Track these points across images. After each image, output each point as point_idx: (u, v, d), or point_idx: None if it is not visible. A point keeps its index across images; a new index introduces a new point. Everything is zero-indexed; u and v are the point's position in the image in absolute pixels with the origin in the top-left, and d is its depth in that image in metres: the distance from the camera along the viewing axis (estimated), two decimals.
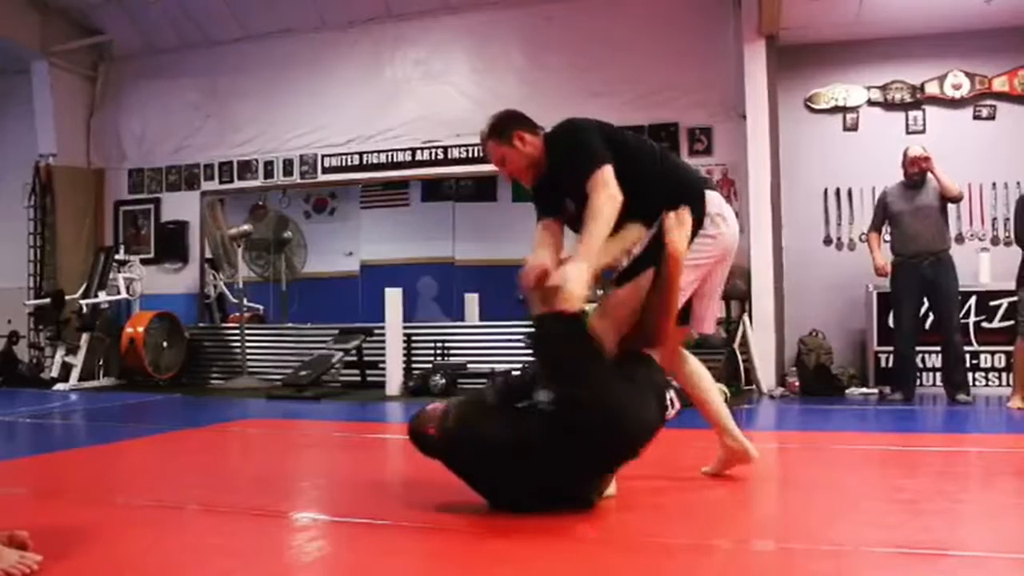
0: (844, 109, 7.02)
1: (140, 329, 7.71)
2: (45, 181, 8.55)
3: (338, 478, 3.35)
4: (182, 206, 8.72)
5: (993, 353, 6.30)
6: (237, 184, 8.56)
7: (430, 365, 7.15)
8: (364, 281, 10.28)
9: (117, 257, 8.37)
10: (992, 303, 6.31)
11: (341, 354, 7.21)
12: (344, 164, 8.20)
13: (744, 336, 6.46)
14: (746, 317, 6.50)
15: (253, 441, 4.72)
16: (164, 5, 8.22)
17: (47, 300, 8.05)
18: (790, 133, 6.96)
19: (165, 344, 7.93)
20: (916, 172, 5.78)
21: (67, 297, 8.01)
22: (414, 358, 7.40)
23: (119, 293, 8.19)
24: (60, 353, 7.92)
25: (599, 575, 1.99)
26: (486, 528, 2.35)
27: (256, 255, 9.37)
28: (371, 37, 8.07)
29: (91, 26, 8.84)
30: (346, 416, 5.84)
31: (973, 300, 6.32)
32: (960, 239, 6.56)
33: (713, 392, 2.99)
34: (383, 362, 7.04)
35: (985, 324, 6.33)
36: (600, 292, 3.54)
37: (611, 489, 2.61)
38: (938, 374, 6.13)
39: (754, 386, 6.44)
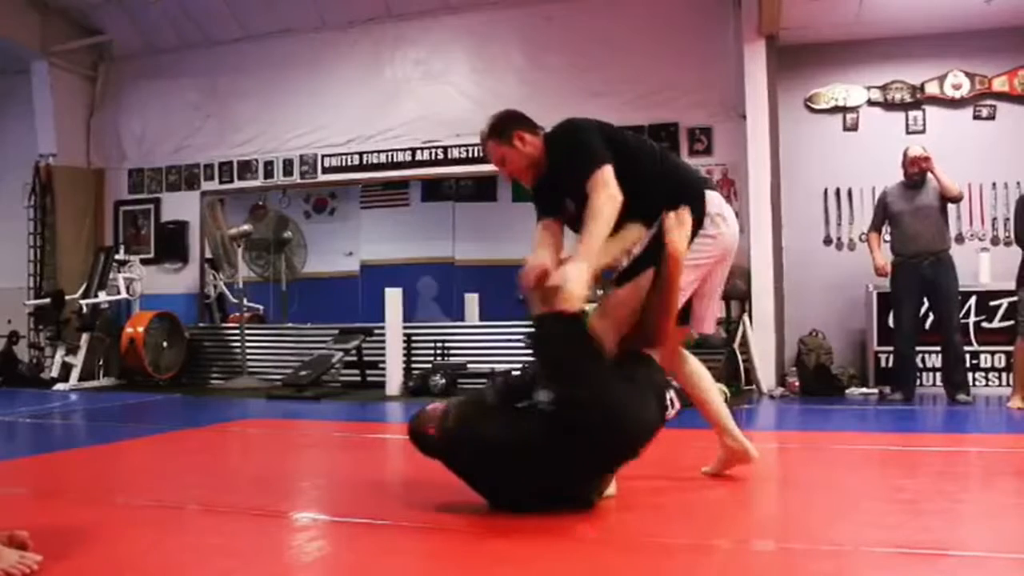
0: (844, 109, 7.03)
1: (140, 329, 7.71)
2: (45, 181, 8.55)
3: (338, 478, 3.35)
4: (182, 206, 8.72)
5: (993, 353, 6.30)
6: (237, 184, 8.56)
7: (430, 365, 7.15)
8: (364, 281, 10.28)
9: (117, 257, 8.37)
10: (992, 303, 6.31)
11: (341, 354, 7.21)
12: (344, 164, 8.21)
13: (744, 336, 6.46)
14: (746, 317, 6.50)
15: (253, 441, 4.72)
16: (164, 5, 8.22)
17: (47, 300, 8.05)
18: (790, 133, 6.96)
19: (165, 344, 7.93)
20: (916, 172, 5.78)
21: (67, 297, 8.01)
22: (414, 358, 7.40)
23: (119, 293, 8.19)
24: (60, 353, 7.92)
25: (599, 575, 1.99)
26: (486, 528, 2.35)
27: (256, 255, 9.37)
28: (371, 37, 8.08)
29: (91, 26, 8.84)
30: (346, 416, 5.84)
31: (973, 300, 6.32)
32: (960, 239, 6.56)
33: (713, 392, 2.99)
34: (383, 362, 7.04)
35: (985, 324, 6.33)
36: (600, 292, 3.54)
37: (611, 489, 2.61)
38: (938, 374, 6.13)
39: (754, 386, 6.44)
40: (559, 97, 6.75)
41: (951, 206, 5.96)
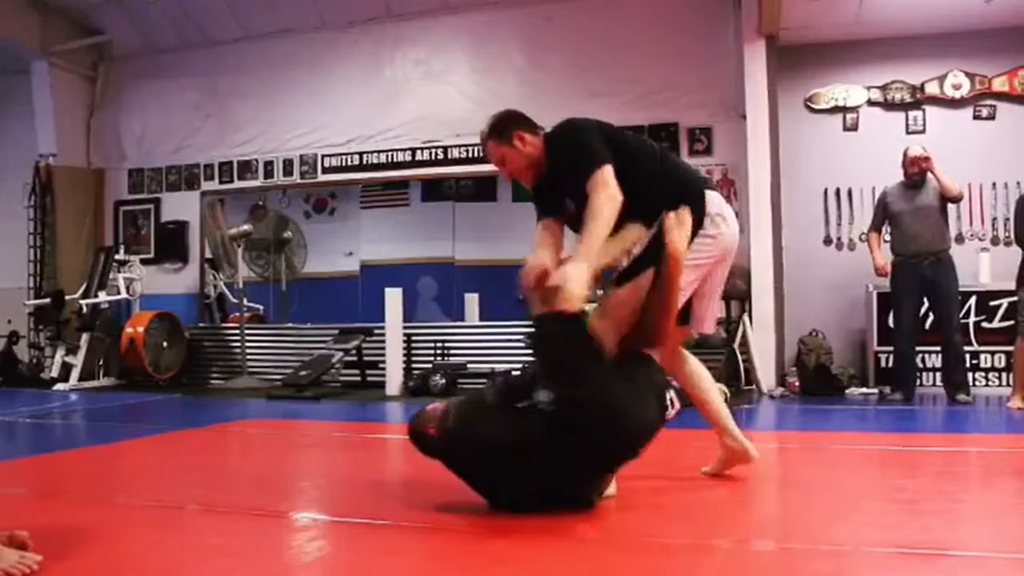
0: (844, 109, 7.03)
1: (140, 329, 7.71)
2: (45, 181, 8.55)
3: (338, 478, 3.35)
4: (182, 206, 8.72)
5: (993, 353, 6.30)
6: (237, 184, 8.56)
7: (430, 365, 7.15)
8: (364, 281, 10.28)
9: (117, 257, 8.37)
10: (992, 303, 6.31)
11: (341, 354, 7.21)
12: (344, 164, 8.21)
13: (744, 336, 6.46)
14: (746, 317, 6.50)
15: (253, 441, 4.72)
16: (164, 5, 8.22)
17: (47, 300, 8.05)
18: (790, 133, 6.96)
19: (165, 344, 7.93)
20: (916, 172, 5.78)
21: (67, 297, 8.01)
22: (414, 358, 7.40)
23: (119, 293, 8.19)
24: (60, 353, 7.92)
25: (599, 575, 1.99)
26: (486, 528, 2.35)
27: (256, 255, 9.37)
28: (371, 37, 8.08)
29: (91, 26, 8.84)
30: (346, 416, 5.84)
31: (973, 300, 6.32)
32: (960, 239, 6.56)
33: (713, 392, 2.99)
34: (383, 362, 7.04)
35: (985, 324, 6.33)
36: (600, 292, 3.54)
37: (611, 489, 2.61)
38: (938, 374, 6.13)
39: (754, 386, 6.44)
40: (559, 97, 6.75)
41: (951, 206, 5.96)
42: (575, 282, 2.46)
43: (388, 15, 8.03)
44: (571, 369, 2.41)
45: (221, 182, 8.59)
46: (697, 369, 2.98)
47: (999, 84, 6.70)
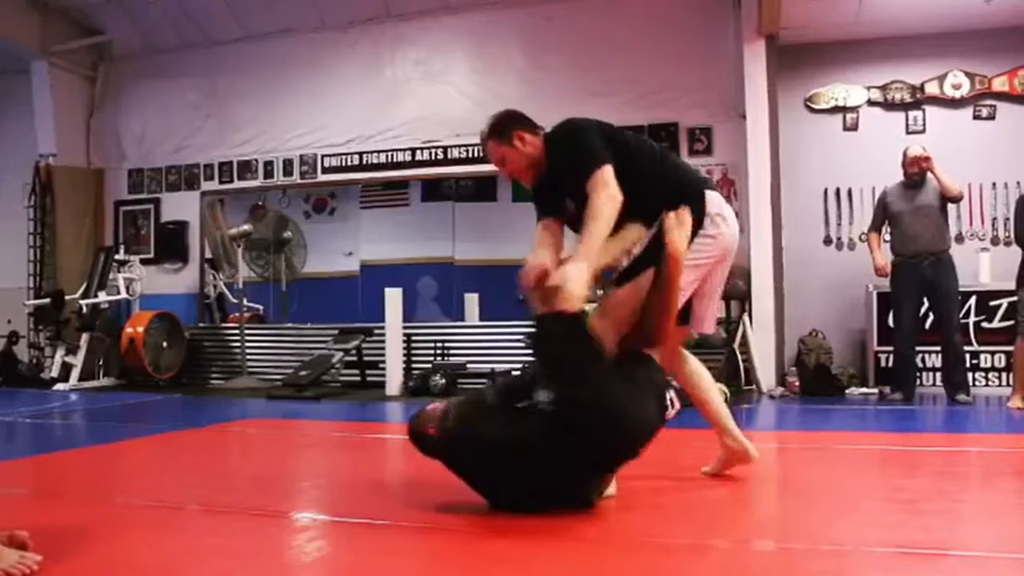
0: (844, 109, 7.03)
1: (140, 329, 7.71)
2: (45, 181, 8.55)
3: (338, 478, 3.34)
4: (182, 206, 8.72)
5: (993, 353, 6.30)
6: (237, 184, 8.56)
7: (430, 365, 7.15)
8: (364, 281, 10.28)
9: (117, 257, 8.37)
10: (992, 303, 6.31)
11: (341, 354, 7.21)
12: (344, 164, 8.21)
13: (744, 336, 6.46)
14: (746, 317, 6.51)
15: (253, 441, 4.72)
16: (164, 5, 8.22)
17: (47, 300, 8.05)
18: (790, 133, 6.96)
19: (165, 344, 7.93)
20: (916, 172, 5.78)
21: (67, 297, 8.01)
22: (414, 358, 7.40)
23: (119, 293, 8.19)
24: (60, 353, 7.92)
25: (599, 575, 1.99)
26: (486, 528, 2.35)
27: (256, 255, 9.37)
28: (371, 37, 8.08)
29: (91, 26, 8.84)
30: (346, 416, 5.84)
31: (973, 300, 6.32)
32: (960, 239, 6.56)
33: (713, 392, 2.99)
34: (383, 362, 7.04)
35: (985, 324, 6.33)
36: (600, 292, 3.54)
37: (611, 489, 2.61)
38: (938, 374, 6.13)
39: (754, 386, 6.44)
40: (559, 97, 6.76)
41: (951, 206, 5.96)
42: (575, 282, 2.46)
43: (388, 15, 8.03)
44: (571, 369, 2.40)
45: (221, 182, 8.60)
46: (697, 369, 2.98)
47: (999, 84, 6.71)
